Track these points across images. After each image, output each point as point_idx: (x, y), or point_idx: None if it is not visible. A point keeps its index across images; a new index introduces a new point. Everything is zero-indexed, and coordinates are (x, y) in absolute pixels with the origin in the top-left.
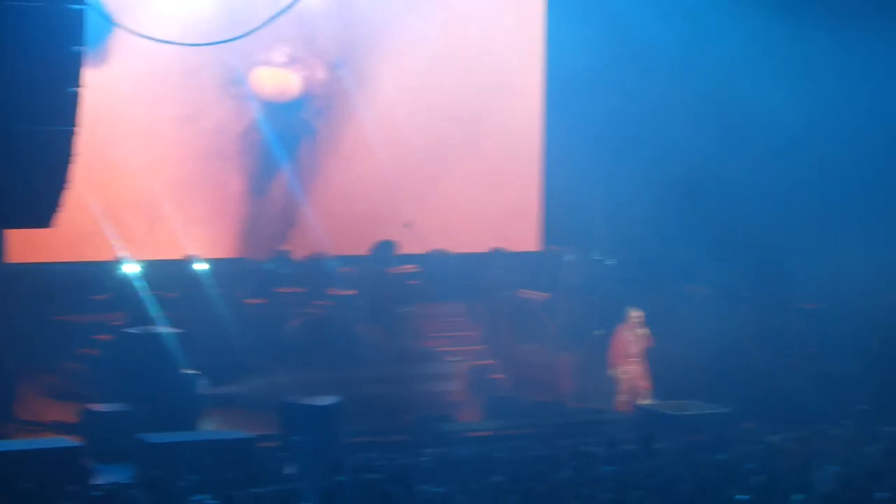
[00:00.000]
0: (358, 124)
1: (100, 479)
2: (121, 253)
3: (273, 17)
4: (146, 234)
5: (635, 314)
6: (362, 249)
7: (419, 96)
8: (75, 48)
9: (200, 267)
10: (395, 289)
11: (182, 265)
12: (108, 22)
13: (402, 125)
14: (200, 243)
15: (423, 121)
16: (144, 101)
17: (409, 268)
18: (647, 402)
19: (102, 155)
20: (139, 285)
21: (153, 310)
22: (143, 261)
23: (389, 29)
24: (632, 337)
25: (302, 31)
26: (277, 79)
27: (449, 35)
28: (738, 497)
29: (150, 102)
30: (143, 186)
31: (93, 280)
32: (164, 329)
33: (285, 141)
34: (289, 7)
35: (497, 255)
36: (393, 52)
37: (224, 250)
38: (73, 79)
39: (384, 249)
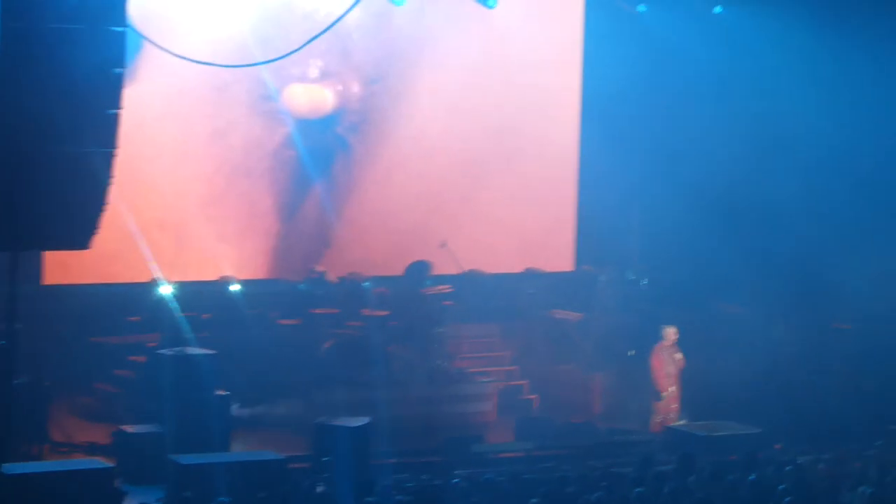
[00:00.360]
0: (393, 142)
1: (132, 501)
2: (155, 274)
3: (312, 39)
4: (180, 254)
5: (672, 331)
6: (397, 270)
7: (454, 113)
8: (116, 70)
9: (234, 288)
10: (429, 309)
11: (216, 286)
12: (142, 40)
13: (437, 143)
14: (234, 264)
15: (458, 138)
16: (176, 120)
17: (443, 288)
18: (679, 423)
19: (135, 174)
20: (173, 307)
21: (187, 331)
22: (177, 282)
23: (426, 45)
24: (669, 356)
25: (336, 45)
26: (311, 95)
27: (486, 52)
28: None
29: (181, 120)
30: (176, 206)
31: (127, 302)
32: (197, 350)
33: (319, 159)
34: (328, 28)
35: (531, 275)
36: (428, 69)
37: (258, 271)
38: (114, 101)
39: (418, 270)
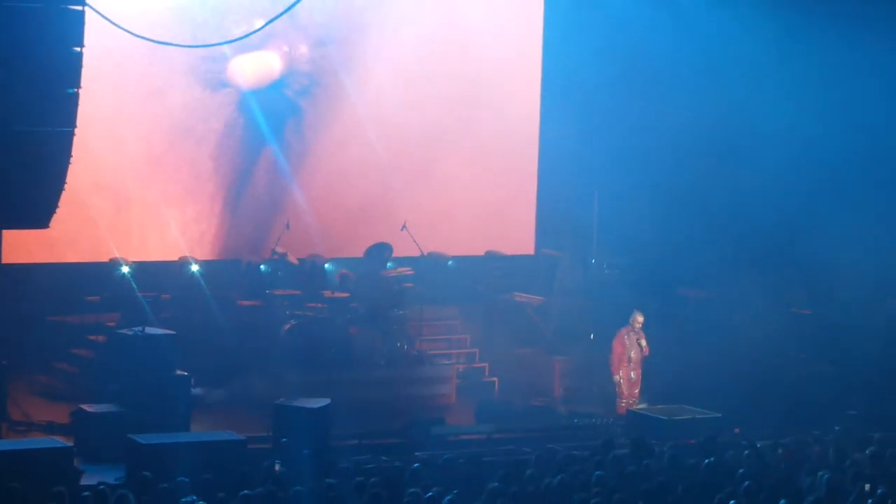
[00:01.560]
0: (346, 112)
1: (90, 480)
2: (115, 254)
3: (270, 21)
4: (140, 235)
5: (639, 318)
6: (357, 252)
7: (410, 86)
8: (75, 49)
9: (195, 268)
10: (390, 291)
11: (176, 266)
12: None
13: (393, 116)
14: (195, 245)
15: (416, 120)
16: (138, 102)
17: (404, 270)
18: (640, 406)
19: (98, 155)
20: (133, 287)
21: (147, 311)
22: (137, 262)
23: (379, 9)
24: (632, 341)
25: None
26: (258, 63)
27: (443, 22)
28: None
29: (142, 105)
30: (136, 188)
31: (87, 281)
32: (157, 330)
33: (278, 139)
34: (289, 8)
35: (491, 258)
36: (382, 36)
37: (219, 252)
38: (73, 80)
39: (379, 252)
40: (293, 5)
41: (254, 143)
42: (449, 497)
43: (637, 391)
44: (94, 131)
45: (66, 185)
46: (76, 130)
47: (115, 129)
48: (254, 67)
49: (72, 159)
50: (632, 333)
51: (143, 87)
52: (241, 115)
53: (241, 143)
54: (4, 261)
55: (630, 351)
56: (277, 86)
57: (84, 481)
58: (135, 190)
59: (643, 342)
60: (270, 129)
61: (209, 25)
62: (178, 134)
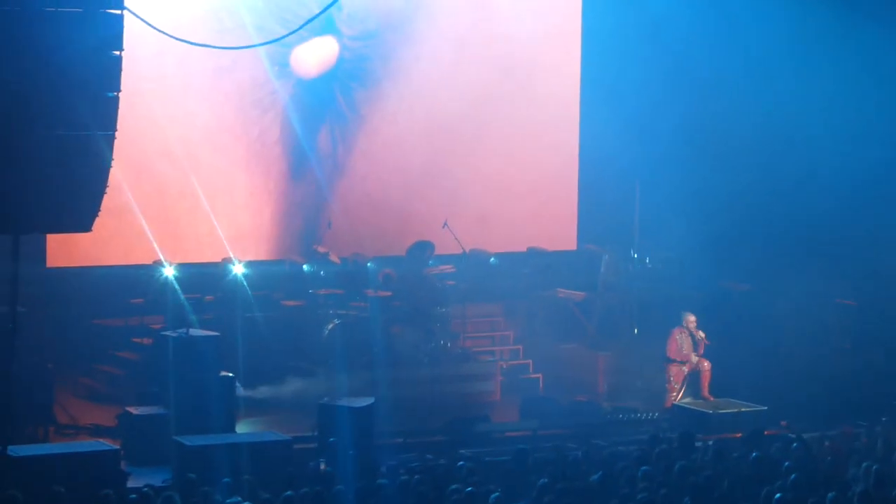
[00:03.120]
0: (389, 114)
1: (136, 483)
2: (159, 256)
3: (311, 20)
4: (183, 237)
5: (691, 318)
6: (399, 250)
7: (452, 92)
8: (114, 53)
9: (238, 269)
10: (432, 289)
11: (220, 268)
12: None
13: (435, 121)
14: (237, 246)
15: (456, 117)
16: (178, 104)
17: (446, 268)
18: (685, 400)
19: (141, 158)
20: (177, 288)
21: (190, 313)
22: (181, 264)
23: (420, 9)
24: (685, 339)
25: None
26: (316, 51)
27: (482, 24)
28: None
29: (182, 107)
30: (178, 189)
31: (131, 284)
32: (201, 332)
33: (319, 140)
34: (327, 8)
35: (534, 254)
36: (424, 38)
37: (262, 252)
38: (113, 83)
39: (420, 250)
40: (330, 5)
41: (295, 144)
42: (495, 495)
43: (683, 387)
44: (136, 133)
45: (107, 188)
46: (117, 133)
47: (158, 130)
48: (314, 55)
49: (113, 162)
50: (684, 332)
51: (185, 87)
52: (281, 117)
53: (283, 145)
54: (49, 265)
55: (682, 348)
56: (319, 86)
57: (130, 484)
58: (177, 191)
59: (701, 334)
60: (312, 131)
61: (248, 26)
62: (220, 135)
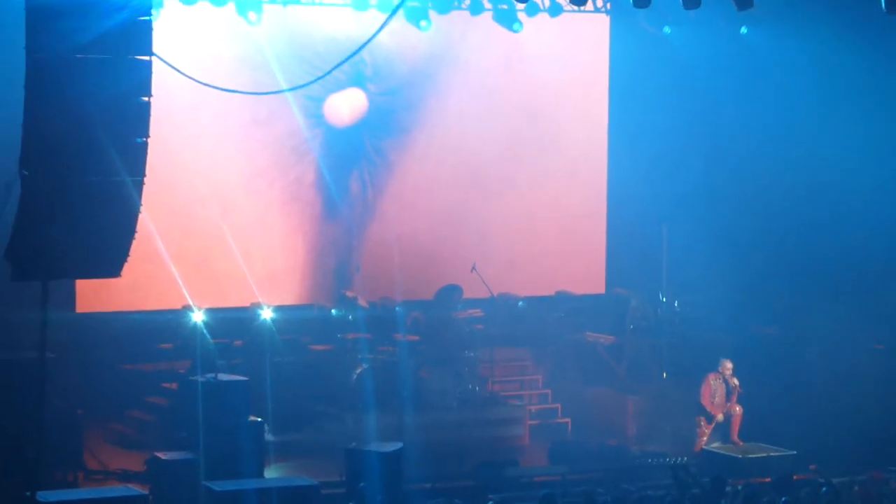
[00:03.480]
0: (418, 160)
1: None
2: (188, 301)
3: (339, 64)
4: (213, 281)
5: (728, 365)
6: (427, 294)
7: (481, 135)
8: (143, 99)
9: (266, 314)
10: (460, 333)
11: (247, 312)
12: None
13: (463, 165)
14: (266, 290)
15: (484, 161)
16: (213, 151)
17: (474, 312)
18: (714, 445)
19: (173, 203)
20: (205, 333)
21: (219, 357)
22: (209, 308)
23: (450, 64)
24: (719, 386)
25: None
26: (349, 100)
27: (511, 74)
28: None
29: (216, 153)
30: (207, 234)
31: (159, 329)
32: (229, 377)
33: (352, 189)
34: (357, 51)
35: (562, 298)
36: (453, 88)
37: (291, 297)
38: (142, 129)
39: (449, 294)
40: (362, 48)
41: (326, 189)
42: None
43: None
44: (167, 179)
45: (136, 234)
46: (149, 178)
47: (190, 176)
48: (347, 103)
49: (143, 208)
50: (719, 378)
51: (220, 136)
52: (314, 164)
53: (315, 188)
54: (79, 310)
55: (715, 395)
56: (349, 135)
57: None
58: (207, 235)
59: (735, 381)
60: (343, 176)
61: (278, 75)
62: (253, 181)
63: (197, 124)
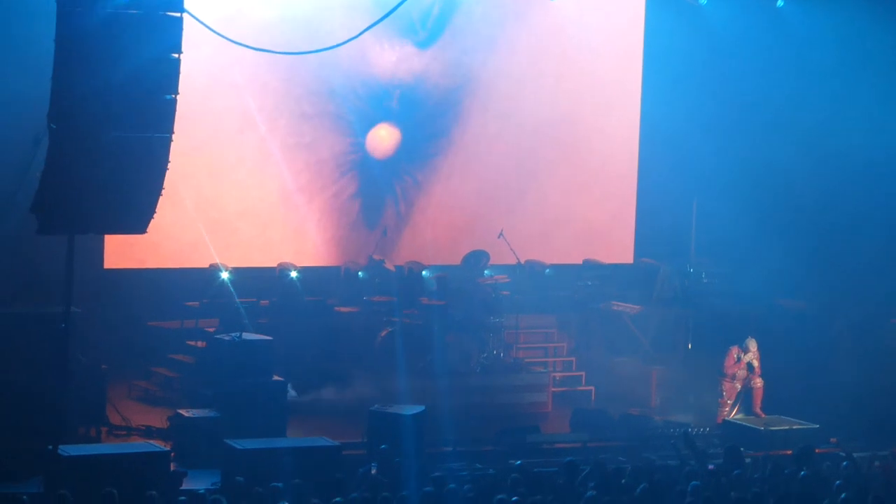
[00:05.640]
0: (456, 138)
1: (187, 485)
2: (215, 260)
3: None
4: (244, 245)
5: (752, 344)
6: (454, 259)
7: (514, 104)
8: (173, 55)
9: (293, 275)
10: (486, 299)
11: (275, 273)
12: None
13: (498, 134)
14: (294, 251)
15: (517, 132)
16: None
17: (501, 278)
18: (737, 416)
19: (206, 167)
20: (232, 292)
21: (245, 317)
22: (237, 268)
23: (485, 36)
24: (742, 360)
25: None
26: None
27: (545, 43)
28: None
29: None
30: (236, 194)
31: (187, 286)
32: (255, 336)
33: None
34: (386, 16)
35: (589, 267)
36: (487, 61)
37: (317, 258)
38: (171, 86)
39: (476, 259)
40: (397, 7)
41: (358, 160)
42: None
43: (736, 404)
44: (194, 138)
45: (163, 191)
46: (175, 136)
47: (217, 136)
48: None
49: (177, 169)
50: (743, 354)
51: (253, 103)
52: (347, 134)
53: (346, 160)
54: (106, 266)
55: (738, 368)
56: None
57: (181, 486)
58: (235, 196)
59: (755, 363)
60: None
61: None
62: (280, 143)
63: (230, 87)
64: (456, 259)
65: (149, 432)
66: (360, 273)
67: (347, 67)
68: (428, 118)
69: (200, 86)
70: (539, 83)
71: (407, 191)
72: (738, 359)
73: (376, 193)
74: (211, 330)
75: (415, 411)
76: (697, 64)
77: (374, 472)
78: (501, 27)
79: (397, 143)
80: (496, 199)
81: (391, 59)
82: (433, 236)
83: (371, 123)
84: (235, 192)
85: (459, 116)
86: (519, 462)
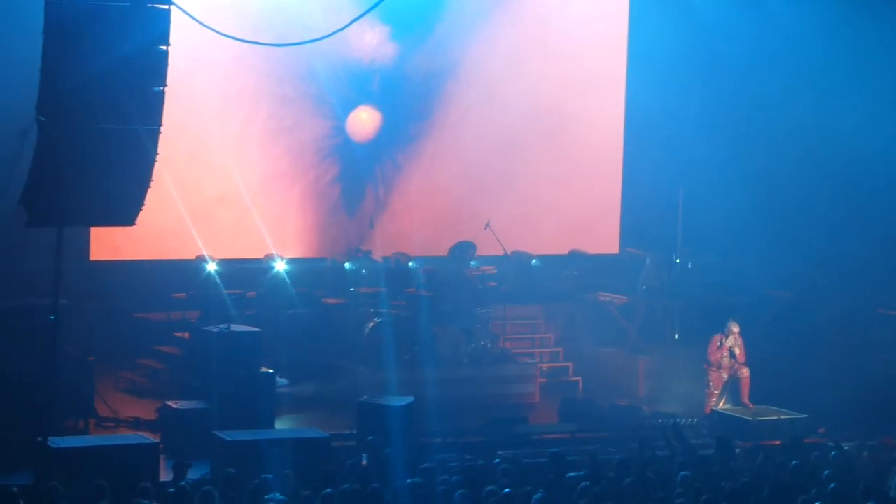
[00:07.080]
0: (438, 122)
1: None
2: (202, 251)
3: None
4: (227, 233)
5: (734, 327)
6: (441, 250)
7: (498, 95)
8: (161, 47)
9: (280, 266)
10: (473, 290)
11: (262, 264)
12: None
13: (480, 120)
14: (280, 243)
15: (501, 121)
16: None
17: (488, 269)
18: (725, 407)
19: (186, 153)
20: (219, 284)
21: (232, 308)
22: (223, 260)
23: (469, 23)
24: (726, 347)
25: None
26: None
27: (528, 31)
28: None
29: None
30: (221, 185)
31: (173, 278)
32: (242, 328)
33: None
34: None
35: (575, 258)
36: (471, 48)
37: (304, 250)
38: (159, 78)
39: (462, 250)
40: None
41: (340, 144)
42: (538, 496)
43: (723, 394)
44: (181, 130)
45: (151, 183)
46: (163, 128)
47: (203, 128)
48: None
49: (158, 157)
50: (725, 340)
51: (233, 86)
52: (328, 117)
53: (327, 144)
54: (92, 258)
55: (722, 356)
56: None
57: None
58: (221, 188)
59: (738, 350)
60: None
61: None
62: (265, 134)
63: (218, 76)
64: (442, 250)
65: (137, 424)
66: (346, 264)
67: (328, 50)
68: (409, 101)
69: (179, 68)
70: (522, 71)
71: (387, 174)
72: (721, 343)
73: (357, 177)
74: (198, 322)
75: (403, 402)
76: (683, 52)
77: (364, 463)
78: (484, 14)
79: (378, 126)
80: (479, 187)
81: (372, 41)
82: (419, 223)
83: (352, 106)
84: (215, 177)
85: (441, 100)
86: (498, 460)
